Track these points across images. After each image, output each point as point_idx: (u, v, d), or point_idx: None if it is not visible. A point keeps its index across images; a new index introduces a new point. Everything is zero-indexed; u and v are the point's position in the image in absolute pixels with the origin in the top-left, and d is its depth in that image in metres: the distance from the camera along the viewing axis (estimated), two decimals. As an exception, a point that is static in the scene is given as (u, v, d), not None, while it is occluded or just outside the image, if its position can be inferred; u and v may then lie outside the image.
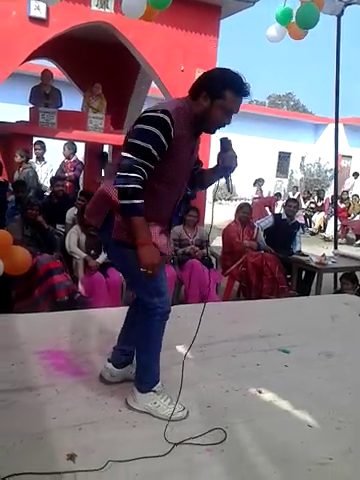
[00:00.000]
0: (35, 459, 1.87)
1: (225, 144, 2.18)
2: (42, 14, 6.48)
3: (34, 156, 7.77)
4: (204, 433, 2.12)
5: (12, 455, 1.88)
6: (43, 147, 7.96)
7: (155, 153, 1.99)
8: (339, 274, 6.26)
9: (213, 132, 2.17)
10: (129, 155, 1.98)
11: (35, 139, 7.95)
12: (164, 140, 1.99)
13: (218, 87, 2.03)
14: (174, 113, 2.01)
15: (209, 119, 2.09)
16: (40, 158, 7.80)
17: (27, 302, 4.30)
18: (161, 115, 1.98)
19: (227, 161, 2.17)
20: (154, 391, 2.27)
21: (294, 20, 4.89)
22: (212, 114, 2.07)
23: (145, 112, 2.05)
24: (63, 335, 3.14)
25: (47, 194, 6.97)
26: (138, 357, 2.35)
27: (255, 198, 12.26)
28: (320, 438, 2.20)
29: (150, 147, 1.97)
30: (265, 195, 13.37)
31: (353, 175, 16.22)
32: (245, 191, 15.32)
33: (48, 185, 7.33)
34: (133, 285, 2.36)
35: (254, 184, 12.80)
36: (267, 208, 11.33)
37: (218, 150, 2.20)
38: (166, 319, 2.28)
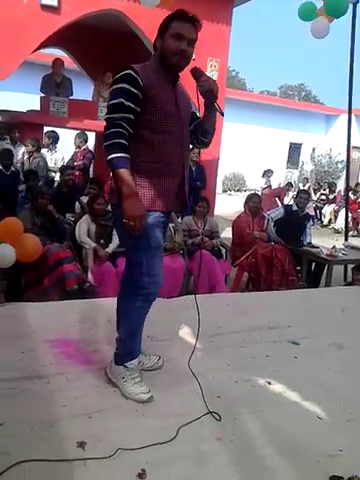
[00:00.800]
0: (45, 447, 1.88)
1: (196, 73, 2.26)
2: (54, 2, 6.43)
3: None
4: (196, 418, 2.15)
5: (22, 442, 1.89)
6: (49, 136, 7.99)
7: (129, 104, 2.07)
8: (349, 266, 6.23)
9: (179, 64, 2.20)
10: (107, 115, 2.09)
11: (47, 128, 7.96)
12: (133, 89, 2.08)
13: (163, 25, 2.19)
14: (138, 66, 2.15)
15: (166, 52, 2.17)
16: (49, 147, 7.83)
17: (37, 291, 4.33)
18: (123, 72, 2.12)
19: (205, 86, 2.22)
20: (125, 366, 2.29)
21: (321, 6, 4.77)
22: (165, 46, 2.17)
23: (112, 80, 2.19)
24: (72, 324, 3.16)
25: (56, 183, 7.00)
26: (118, 328, 2.39)
27: (264, 188, 12.19)
28: (330, 430, 2.19)
29: (121, 100, 2.06)
30: (274, 186, 13.27)
31: None
32: (255, 182, 15.22)
33: (58, 174, 7.38)
34: (128, 258, 2.34)
35: (263, 175, 12.73)
36: (277, 198, 11.27)
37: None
38: (150, 301, 2.29)
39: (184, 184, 2.31)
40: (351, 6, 5.61)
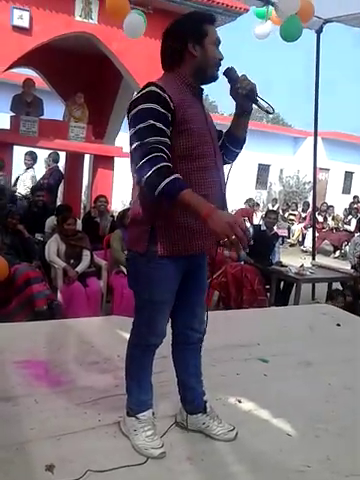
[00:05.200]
0: (12, 470, 1.84)
1: (232, 73, 1.96)
2: (25, 23, 6.49)
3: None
4: (165, 432, 2.16)
5: (-11, 466, 1.85)
6: (32, 157, 8.02)
7: (160, 125, 1.76)
8: (317, 285, 6.36)
9: (216, 75, 1.95)
10: (137, 143, 1.75)
11: (26, 149, 8.02)
12: (162, 109, 1.78)
13: (197, 27, 1.90)
14: (161, 82, 1.85)
15: (207, 62, 1.91)
16: (28, 168, 7.87)
17: (5, 312, 4.25)
18: (147, 89, 1.82)
19: (247, 86, 1.93)
20: (137, 417, 2.10)
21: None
22: (208, 55, 1.90)
23: (131, 101, 1.87)
24: (42, 345, 3.12)
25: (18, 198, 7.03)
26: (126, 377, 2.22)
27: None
28: (299, 446, 2.22)
29: (151, 121, 1.75)
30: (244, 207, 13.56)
31: None
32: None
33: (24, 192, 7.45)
34: (135, 304, 2.11)
35: (244, 203, 13.13)
36: (245, 219, 11.46)
37: (229, 87, 1.99)
38: (151, 351, 2.11)
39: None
40: (315, 34, 5.89)
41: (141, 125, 1.76)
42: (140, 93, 1.83)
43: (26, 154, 8.03)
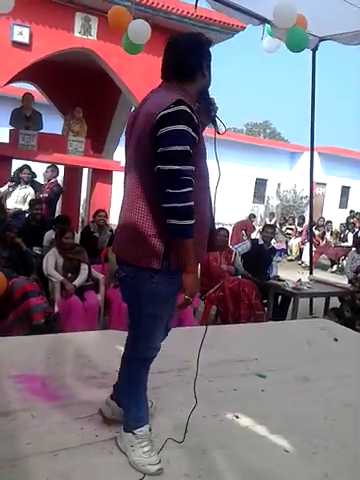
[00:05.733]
0: (9, 486, 1.83)
1: (209, 95, 2.12)
2: (25, 39, 6.58)
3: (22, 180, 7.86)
4: (161, 448, 2.14)
5: (-15, 482, 1.84)
6: (31, 172, 8.03)
7: (191, 152, 1.81)
8: (315, 299, 6.36)
9: None
10: (170, 166, 1.77)
11: (22, 163, 8.03)
12: (193, 133, 1.82)
13: (209, 50, 2.02)
14: (186, 99, 1.86)
15: (208, 84, 2.05)
16: (27, 182, 7.87)
17: (2, 326, 4.23)
18: (179, 108, 1.80)
19: (214, 108, 2.09)
20: (133, 433, 2.10)
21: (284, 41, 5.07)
22: (210, 77, 2.04)
23: (163, 111, 1.80)
24: (39, 359, 3.10)
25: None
26: (121, 395, 2.23)
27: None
28: (296, 463, 2.21)
29: (188, 148, 1.78)
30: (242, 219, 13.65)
31: None
32: (222, 216, 15.44)
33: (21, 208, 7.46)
34: (129, 318, 2.14)
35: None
36: (243, 231, 11.53)
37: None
38: (147, 366, 2.13)
39: (213, 228, 2.14)
40: (311, 52, 5.97)
41: (176, 148, 1.77)
42: (171, 110, 1.80)
43: (25, 167, 8.02)
